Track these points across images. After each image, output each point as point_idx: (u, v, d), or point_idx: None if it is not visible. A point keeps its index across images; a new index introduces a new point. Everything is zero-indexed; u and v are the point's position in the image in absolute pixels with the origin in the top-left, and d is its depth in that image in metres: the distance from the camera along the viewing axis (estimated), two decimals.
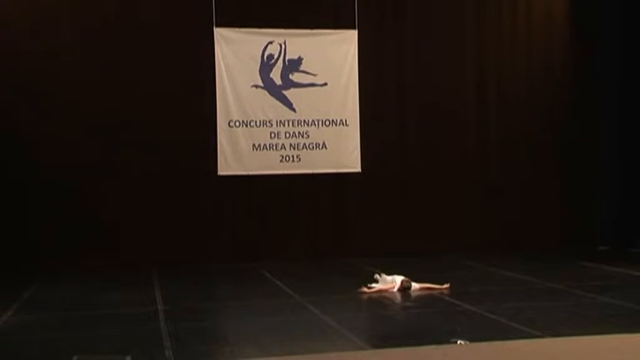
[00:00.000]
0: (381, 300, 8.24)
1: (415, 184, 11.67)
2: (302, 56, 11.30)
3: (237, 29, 11.10)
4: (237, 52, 11.09)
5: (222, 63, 11.03)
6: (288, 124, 11.26)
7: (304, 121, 11.31)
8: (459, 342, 5.95)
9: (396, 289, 8.48)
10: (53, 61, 10.48)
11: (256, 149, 11.14)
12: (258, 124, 11.16)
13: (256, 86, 11.18)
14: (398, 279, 8.58)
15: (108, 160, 10.59)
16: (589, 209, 12.11)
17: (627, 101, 11.85)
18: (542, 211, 11.99)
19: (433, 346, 5.88)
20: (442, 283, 8.60)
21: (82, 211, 10.51)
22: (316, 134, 11.34)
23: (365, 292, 8.51)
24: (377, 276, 8.94)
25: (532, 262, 10.50)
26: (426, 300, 8.11)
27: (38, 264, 10.14)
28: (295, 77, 11.31)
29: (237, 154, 11.06)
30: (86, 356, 3.99)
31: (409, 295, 8.40)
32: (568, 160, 12.10)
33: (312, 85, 11.35)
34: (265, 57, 11.22)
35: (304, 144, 11.30)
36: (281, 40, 11.23)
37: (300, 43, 11.29)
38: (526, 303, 7.74)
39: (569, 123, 12.07)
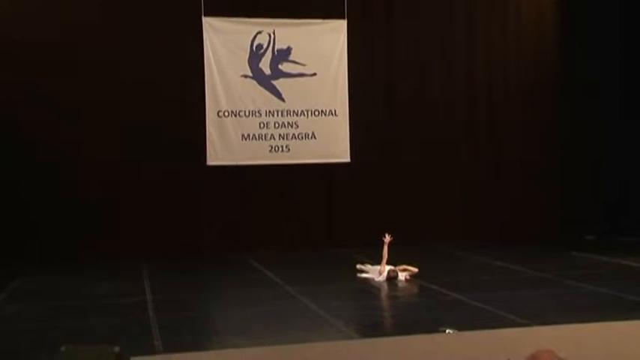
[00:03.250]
0: (370, 290, 8.27)
1: (404, 174, 11.68)
2: (291, 46, 11.26)
3: (226, 19, 11.05)
4: (226, 41, 11.05)
5: (210, 53, 10.98)
6: (278, 114, 11.23)
7: (293, 111, 11.28)
8: (447, 331, 5.98)
9: (383, 279, 8.50)
10: (42, 51, 10.38)
11: (245, 139, 11.12)
12: (247, 114, 11.13)
13: (245, 76, 11.15)
14: (385, 269, 8.59)
15: (96, 152, 10.53)
16: (578, 199, 12.16)
17: (618, 96, 11.88)
18: (531, 201, 12.04)
19: (422, 335, 5.91)
20: (414, 265, 8.65)
21: (70, 202, 10.46)
22: (305, 124, 11.32)
23: (361, 269, 8.64)
24: (360, 266, 8.96)
25: (521, 252, 10.56)
26: (415, 289, 8.14)
27: (25, 254, 10.09)
28: (284, 67, 11.27)
29: (227, 145, 11.04)
30: (74, 347, 3.98)
31: (397, 284, 8.42)
32: (558, 152, 12.14)
33: (302, 75, 11.32)
34: (254, 47, 11.18)
35: (293, 134, 11.28)
36: (270, 30, 11.19)
37: (290, 32, 11.25)
38: (514, 292, 7.78)
39: (559, 116, 12.10)
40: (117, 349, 3.82)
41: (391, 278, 8.49)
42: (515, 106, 12.07)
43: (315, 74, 11.35)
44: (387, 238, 8.73)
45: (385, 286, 8.38)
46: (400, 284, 8.42)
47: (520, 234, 11.68)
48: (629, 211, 11.95)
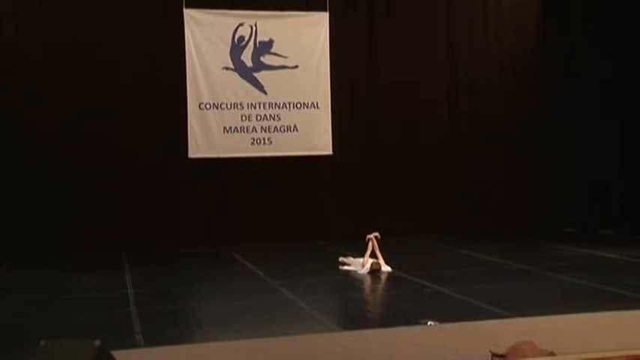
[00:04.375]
0: (352, 282, 8.28)
1: (387, 167, 11.71)
2: (273, 38, 11.23)
3: (208, 10, 10.99)
4: (207, 33, 10.99)
5: (192, 45, 10.92)
6: (259, 107, 11.20)
7: (275, 103, 11.26)
8: (429, 323, 6.01)
9: (366, 272, 8.52)
10: (20, 42, 10.28)
11: (227, 132, 11.08)
12: (229, 106, 11.09)
13: (227, 68, 11.10)
14: (367, 262, 8.62)
15: (77, 144, 10.44)
16: (558, 192, 12.25)
17: (599, 84, 11.94)
18: (512, 194, 12.10)
19: (403, 327, 5.93)
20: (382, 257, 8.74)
21: (50, 195, 10.38)
22: (287, 117, 11.30)
23: (344, 262, 8.67)
24: (343, 259, 8.98)
25: (502, 245, 10.62)
26: (396, 282, 8.17)
27: (5, 248, 9.98)
28: (266, 59, 11.24)
29: (208, 137, 10.99)
30: (54, 341, 3.95)
31: (379, 277, 8.45)
32: (539, 143, 12.21)
33: (283, 67, 11.29)
34: (236, 39, 11.13)
35: (275, 127, 11.26)
36: (252, 22, 11.15)
37: (271, 25, 11.22)
38: (495, 284, 7.83)
39: (541, 106, 12.16)
40: (97, 343, 3.80)
41: (374, 271, 8.51)
42: (498, 101, 12.10)
43: (297, 67, 11.32)
44: (371, 235, 8.76)
45: (368, 278, 8.39)
46: (383, 276, 8.45)
47: (501, 227, 11.74)
48: (608, 203, 12.05)
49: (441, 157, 11.92)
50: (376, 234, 8.82)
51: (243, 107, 11.15)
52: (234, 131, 11.11)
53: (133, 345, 5.62)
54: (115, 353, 4.24)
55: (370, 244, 8.75)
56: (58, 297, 7.61)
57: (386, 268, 8.61)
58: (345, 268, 8.82)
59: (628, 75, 11.47)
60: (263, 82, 11.22)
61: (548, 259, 9.28)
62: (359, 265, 8.67)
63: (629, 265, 8.87)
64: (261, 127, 11.21)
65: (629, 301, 6.76)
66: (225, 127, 11.07)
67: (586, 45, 12.07)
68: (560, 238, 11.22)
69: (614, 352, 4.01)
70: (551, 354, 4.36)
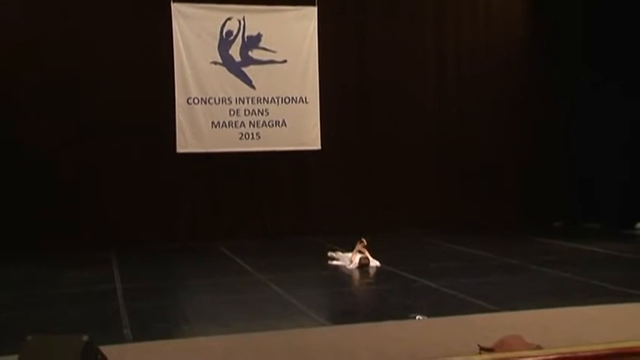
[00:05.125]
0: (341, 277, 8.29)
1: (375, 162, 11.71)
2: (261, 33, 11.19)
3: (195, 5, 10.93)
4: (195, 28, 10.94)
5: (179, 39, 10.87)
6: (248, 102, 11.18)
7: (264, 98, 11.23)
8: (417, 317, 6.02)
9: (354, 267, 8.53)
10: (4, 31, 10.19)
11: (215, 127, 11.04)
12: (217, 101, 11.06)
13: (215, 63, 11.05)
14: (356, 257, 8.62)
15: (65, 139, 10.37)
16: (545, 186, 12.30)
17: (589, 77, 11.98)
18: (500, 188, 12.14)
19: (392, 322, 5.94)
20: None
21: (38, 189, 10.30)
22: (276, 112, 11.27)
23: (332, 257, 8.64)
24: (331, 254, 8.99)
25: (490, 239, 10.65)
26: (385, 276, 8.18)
27: None
28: (254, 54, 11.21)
29: (196, 132, 10.96)
30: (41, 336, 3.93)
31: (367, 272, 8.46)
32: (527, 138, 12.25)
33: (272, 62, 11.26)
34: (224, 33, 11.09)
35: (264, 121, 11.23)
36: (240, 17, 11.10)
37: (260, 19, 11.18)
38: (483, 278, 7.86)
39: (530, 100, 12.19)
40: (85, 338, 3.78)
41: (362, 265, 8.52)
42: (486, 95, 12.11)
43: (285, 61, 11.29)
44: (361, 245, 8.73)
45: (356, 273, 8.40)
46: (372, 271, 8.45)
47: (489, 221, 11.78)
48: (595, 197, 12.11)
49: (429, 152, 11.94)
50: (363, 241, 8.77)
51: (231, 102, 11.11)
52: (222, 126, 11.08)
53: (122, 340, 5.60)
54: (103, 348, 4.22)
55: (359, 243, 8.74)
56: (45, 292, 7.56)
57: (374, 262, 8.62)
58: (334, 263, 8.82)
59: (619, 68, 11.48)
60: (251, 77, 11.19)
61: (535, 253, 9.32)
62: (347, 260, 8.68)
63: (615, 259, 8.93)
64: (250, 122, 11.18)
65: (616, 295, 6.80)
66: (213, 122, 11.04)
67: (577, 37, 12.09)
68: (548, 232, 11.26)
69: (601, 345, 4.04)
70: (539, 347, 4.39)
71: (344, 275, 8.35)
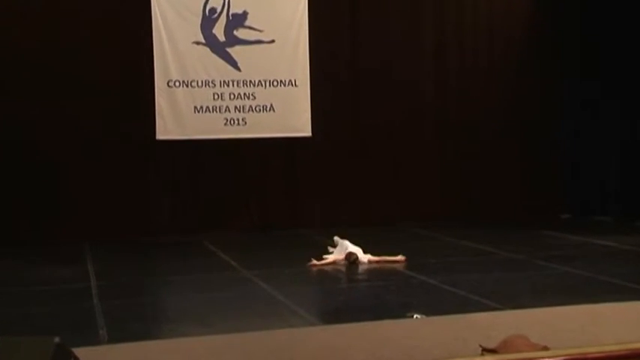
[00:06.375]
0: (333, 273, 8.30)
1: (370, 150, 11.70)
2: (247, 10, 11.14)
3: None
4: (175, 5, 10.88)
5: (159, 17, 10.81)
6: (233, 85, 11.14)
7: (250, 81, 11.19)
8: (415, 316, 6.03)
9: (342, 261, 8.51)
10: None
11: (198, 111, 11.01)
12: (199, 84, 11.02)
13: (197, 43, 11.00)
14: (351, 248, 8.60)
15: (37, 125, 10.30)
16: (552, 177, 12.32)
17: (591, 70, 12.03)
18: (503, 177, 12.14)
19: (387, 321, 5.94)
20: (396, 254, 8.65)
21: (9, 181, 10.25)
22: (263, 95, 11.24)
23: (314, 265, 8.49)
24: (337, 239, 8.94)
25: (493, 232, 10.68)
26: (380, 272, 8.19)
27: None
28: (240, 33, 11.16)
29: (177, 117, 10.92)
30: (9, 338, 3.90)
31: (361, 267, 8.46)
32: (533, 124, 12.23)
33: (259, 42, 11.22)
34: (207, 11, 11.03)
35: (250, 106, 11.20)
36: None
37: None
38: (486, 274, 7.88)
39: (533, 89, 12.18)
40: (57, 339, 3.74)
41: (351, 262, 8.47)
42: (486, 84, 12.09)
43: (273, 41, 11.25)
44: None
45: (350, 269, 8.39)
46: (362, 266, 8.44)
47: (491, 213, 11.80)
48: (605, 188, 12.14)
49: (427, 140, 11.93)
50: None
51: (215, 85, 11.08)
52: (205, 111, 11.05)
53: (97, 341, 5.59)
54: (77, 350, 4.20)
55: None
56: (14, 290, 7.55)
57: (364, 257, 8.58)
58: (327, 256, 8.74)
59: (624, 57, 11.54)
60: (237, 58, 11.15)
61: (541, 247, 9.35)
62: (342, 253, 8.62)
63: (627, 254, 8.96)
64: (235, 107, 11.16)
65: (628, 291, 6.82)
66: (195, 107, 11.00)
67: (578, 28, 12.11)
68: (555, 224, 11.29)
69: (612, 346, 4.04)
70: (545, 348, 4.39)
71: (337, 271, 8.35)
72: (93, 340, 5.57)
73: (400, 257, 8.60)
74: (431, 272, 7.87)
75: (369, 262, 8.53)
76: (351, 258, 8.49)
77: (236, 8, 11.12)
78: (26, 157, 10.35)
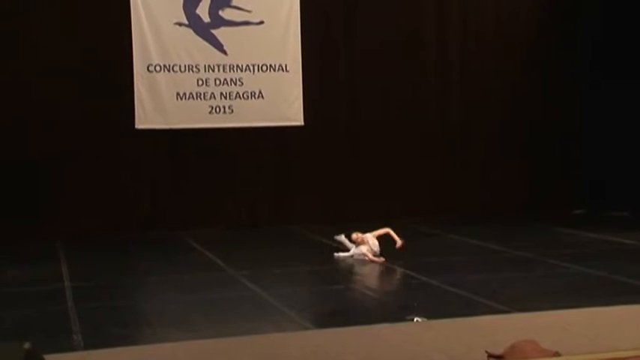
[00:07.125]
0: (327, 273, 8.32)
1: (366, 140, 11.71)
2: None
3: None
4: None
5: None
6: (219, 70, 11.14)
7: (237, 65, 11.20)
8: (415, 319, 6.04)
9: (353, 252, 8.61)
10: None
11: (181, 99, 11.00)
12: (182, 68, 11.01)
13: (180, 24, 10.99)
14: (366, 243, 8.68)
15: (8, 117, 10.26)
16: (564, 169, 12.35)
17: (601, 58, 12.08)
18: (510, 170, 12.16)
19: (386, 324, 5.95)
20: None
21: None
22: (251, 81, 11.24)
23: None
24: (343, 237, 8.99)
25: (500, 229, 10.72)
26: (379, 272, 8.21)
27: None
28: (226, 14, 11.16)
29: (158, 105, 10.92)
30: None
31: (358, 266, 8.47)
32: (544, 115, 12.25)
33: (247, 23, 11.22)
34: None
35: (237, 93, 11.20)
36: None
37: None
38: (491, 274, 7.90)
39: (544, 79, 12.19)
40: (27, 345, 3.74)
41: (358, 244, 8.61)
42: (491, 73, 12.11)
43: (262, 22, 11.26)
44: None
45: (346, 268, 8.41)
46: (365, 266, 8.47)
47: (498, 209, 11.82)
48: (621, 182, 12.15)
49: (428, 129, 11.95)
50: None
51: (199, 70, 11.08)
52: (188, 98, 11.05)
53: (71, 347, 5.58)
54: (49, 357, 4.20)
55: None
56: None
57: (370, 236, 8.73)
58: (340, 254, 8.82)
59: (630, 49, 11.61)
60: (222, 41, 11.15)
61: (552, 245, 9.38)
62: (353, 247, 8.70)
63: None
64: (221, 94, 11.16)
65: None
66: (178, 93, 11.00)
67: (583, 21, 12.16)
68: (567, 220, 11.33)
69: (627, 351, 4.05)
70: (557, 354, 4.39)
71: (332, 271, 8.37)
72: (67, 346, 5.56)
73: (399, 243, 8.71)
74: (432, 272, 7.87)
75: (376, 237, 8.68)
76: (358, 241, 8.64)
77: None
78: None
